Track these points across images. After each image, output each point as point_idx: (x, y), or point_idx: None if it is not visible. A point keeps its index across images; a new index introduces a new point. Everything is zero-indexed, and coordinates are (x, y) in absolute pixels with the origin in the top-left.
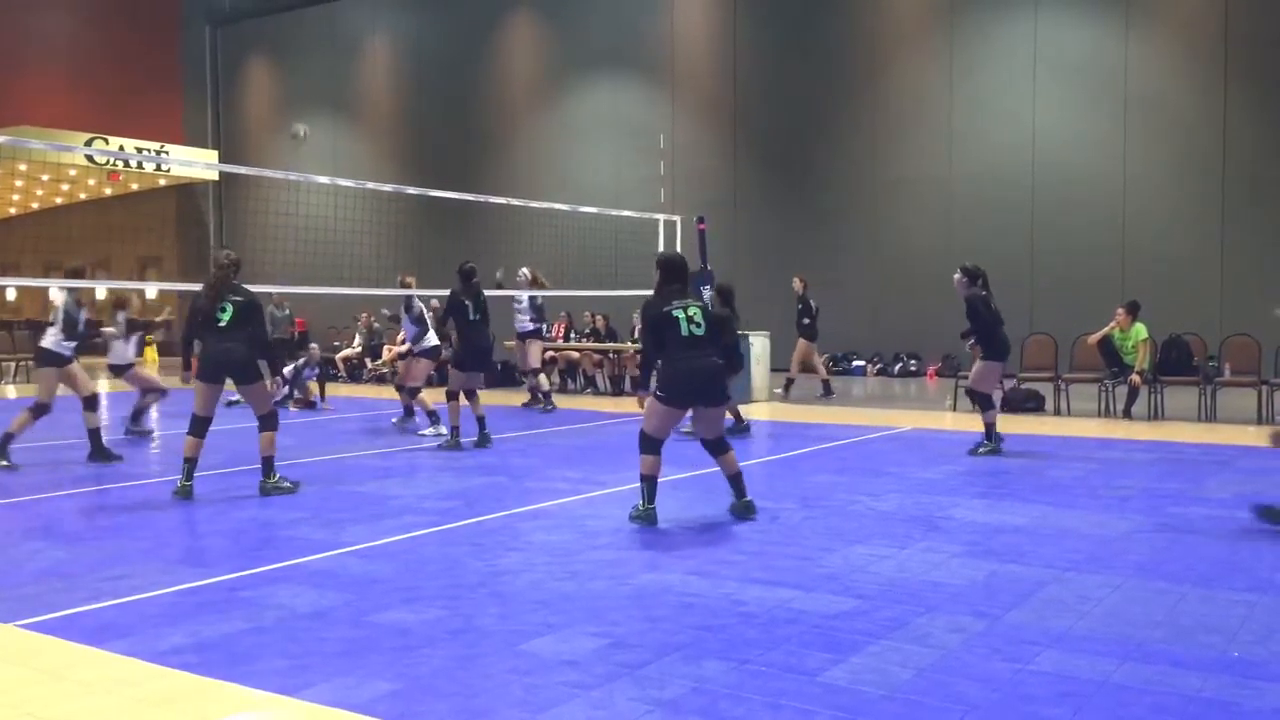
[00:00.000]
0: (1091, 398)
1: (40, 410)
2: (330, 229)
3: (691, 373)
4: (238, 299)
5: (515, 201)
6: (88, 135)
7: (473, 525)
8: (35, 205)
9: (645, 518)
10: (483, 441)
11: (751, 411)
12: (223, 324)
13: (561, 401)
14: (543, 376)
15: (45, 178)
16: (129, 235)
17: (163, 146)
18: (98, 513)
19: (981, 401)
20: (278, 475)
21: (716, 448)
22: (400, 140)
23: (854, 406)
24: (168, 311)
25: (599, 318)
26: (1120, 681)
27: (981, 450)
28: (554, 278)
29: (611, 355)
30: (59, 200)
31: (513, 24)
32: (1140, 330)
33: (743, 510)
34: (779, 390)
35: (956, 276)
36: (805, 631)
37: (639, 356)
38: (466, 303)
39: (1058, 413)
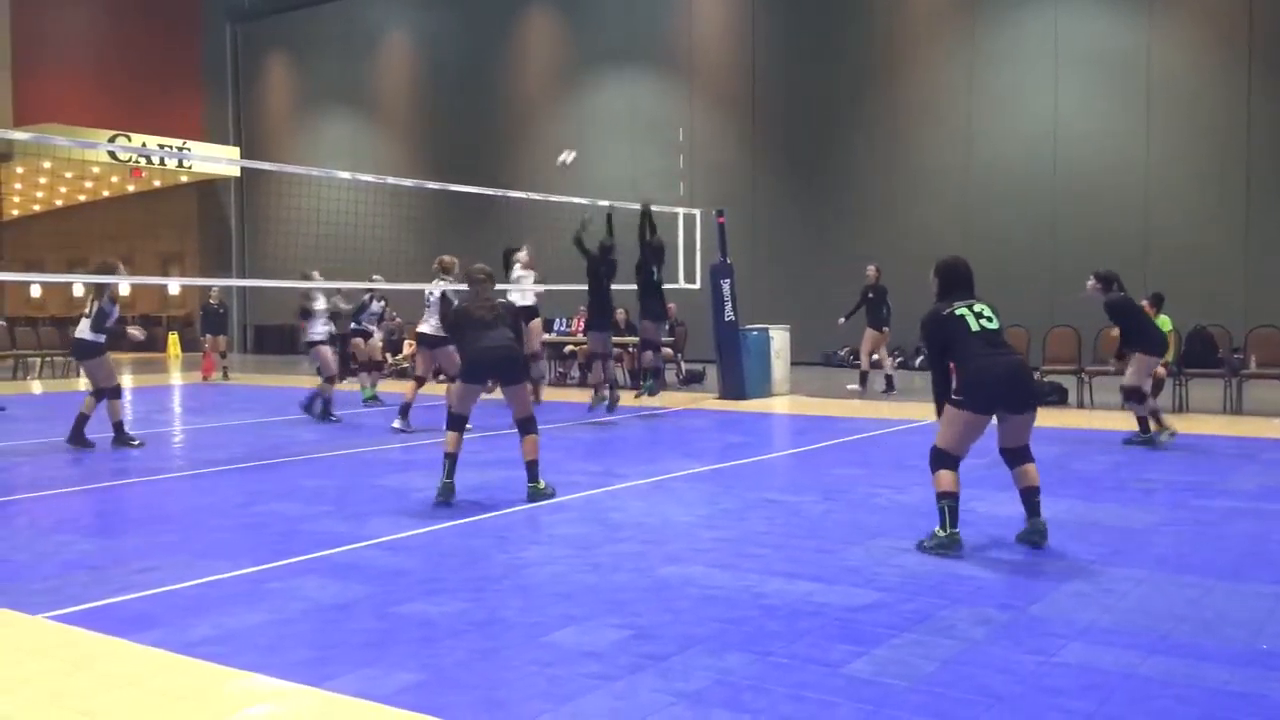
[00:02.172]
0: (1115, 390)
1: (114, 394)
2: (350, 224)
3: (996, 370)
4: (499, 304)
5: (534, 195)
6: (110, 133)
7: (495, 518)
8: (59, 203)
9: (950, 545)
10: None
11: (772, 405)
12: (487, 320)
13: (582, 395)
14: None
15: (69, 175)
16: (151, 232)
17: (184, 143)
18: (124, 506)
19: (1135, 396)
20: (543, 481)
21: (1017, 456)
22: (419, 135)
23: (876, 400)
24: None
25: (619, 311)
26: (1146, 674)
27: (1164, 438)
28: (572, 271)
29: (631, 349)
30: (82, 198)
31: (530, 18)
32: (1164, 322)
33: (1034, 534)
34: (853, 385)
35: (1091, 284)
36: (828, 624)
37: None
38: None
39: (1081, 406)
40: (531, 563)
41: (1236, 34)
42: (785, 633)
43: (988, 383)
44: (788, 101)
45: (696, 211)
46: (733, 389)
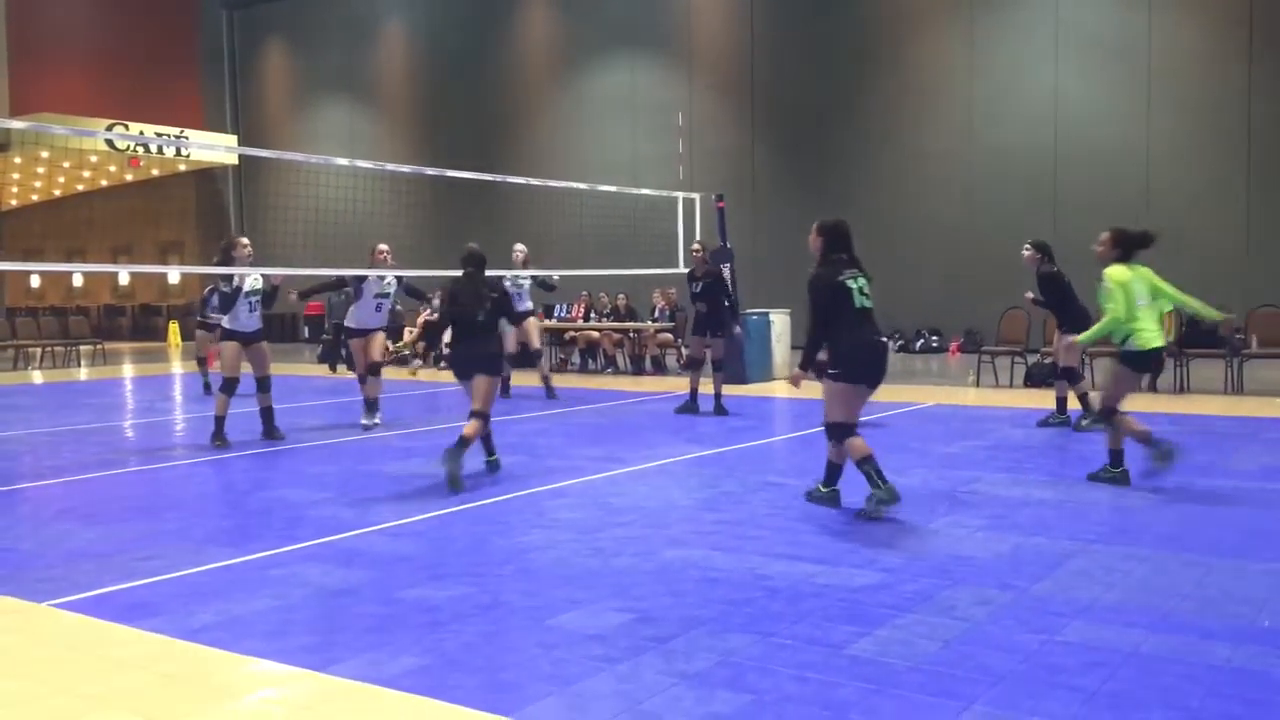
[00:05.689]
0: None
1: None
2: (349, 211)
3: (871, 348)
4: (494, 295)
5: (533, 181)
6: (108, 121)
7: (497, 504)
8: (57, 192)
9: (890, 498)
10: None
11: (772, 389)
12: (481, 318)
13: (582, 381)
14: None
15: (67, 164)
16: (150, 221)
17: (182, 131)
18: (127, 494)
19: (1070, 376)
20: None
21: (840, 433)
22: (417, 122)
23: None
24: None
25: (620, 297)
26: (1149, 652)
27: (1085, 422)
28: (572, 257)
29: (631, 335)
30: (80, 187)
31: (529, 2)
32: (1164, 303)
33: (875, 507)
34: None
35: (1028, 253)
36: (830, 605)
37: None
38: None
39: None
40: (534, 547)
41: (1237, 13)
42: (788, 614)
43: (863, 359)
44: (788, 84)
45: (696, 196)
46: (733, 373)
